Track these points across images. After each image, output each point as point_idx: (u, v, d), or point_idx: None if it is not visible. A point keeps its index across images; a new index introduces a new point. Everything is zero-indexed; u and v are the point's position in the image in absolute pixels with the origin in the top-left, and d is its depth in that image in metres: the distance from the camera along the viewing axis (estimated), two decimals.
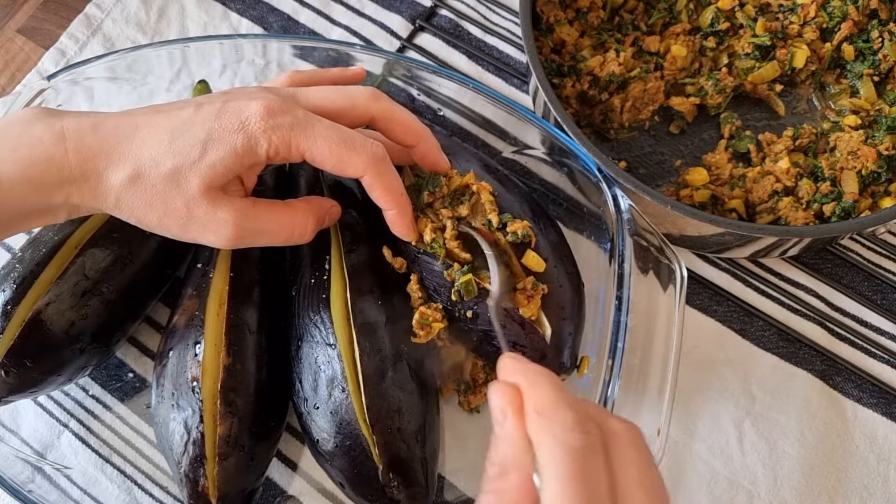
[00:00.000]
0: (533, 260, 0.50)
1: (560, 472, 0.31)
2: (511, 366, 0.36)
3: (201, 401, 0.48)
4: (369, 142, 0.44)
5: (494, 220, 0.51)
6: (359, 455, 0.47)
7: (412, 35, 0.70)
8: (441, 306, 0.51)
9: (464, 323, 0.50)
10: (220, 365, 0.49)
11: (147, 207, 0.43)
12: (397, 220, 0.48)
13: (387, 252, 0.53)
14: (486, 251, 0.49)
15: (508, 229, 0.50)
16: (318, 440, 0.49)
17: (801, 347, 0.60)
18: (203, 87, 0.61)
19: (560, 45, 0.65)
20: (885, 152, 0.58)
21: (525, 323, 0.49)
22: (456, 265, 0.50)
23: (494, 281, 0.48)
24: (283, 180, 0.59)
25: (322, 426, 0.48)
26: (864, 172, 0.58)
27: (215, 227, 0.44)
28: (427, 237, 0.50)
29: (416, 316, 0.51)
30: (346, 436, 0.48)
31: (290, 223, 0.47)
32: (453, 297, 0.50)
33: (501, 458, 0.33)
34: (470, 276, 0.49)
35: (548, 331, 0.49)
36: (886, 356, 0.60)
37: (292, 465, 0.56)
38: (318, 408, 0.49)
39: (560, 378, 0.50)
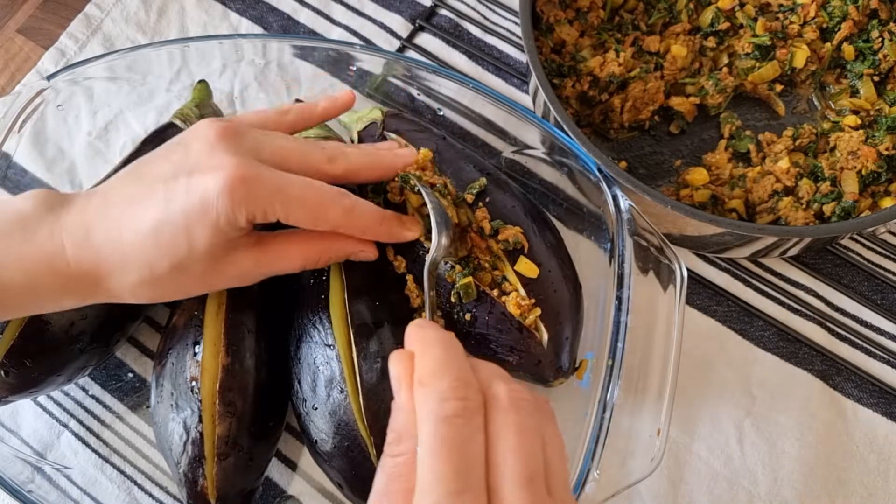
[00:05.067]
0: (526, 266, 0.49)
1: (430, 443, 0.31)
2: (411, 333, 0.37)
3: (200, 401, 0.48)
4: (340, 196, 0.44)
5: (486, 227, 0.51)
6: (357, 456, 0.47)
7: (412, 35, 0.70)
8: (440, 313, 0.51)
9: (462, 326, 0.50)
10: (219, 365, 0.49)
11: (167, 294, 0.44)
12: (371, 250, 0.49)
13: (389, 252, 0.53)
14: (427, 199, 0.48)
15: (500, 236, 0.50)
16: (316, 441, 0.49)
17: (801, 347, 0.60)
18: (203, 86, 0.61)
19: (560, 45, 0.65)
20: (885, 152, 0.58)
21: (522, 328, 0.49)
22: (457, 267, 0.50)
23: (435, 237, 0.47)
24: None
25: (320, 427, 0.48)
26: (864, 172, 0.58)
27: (238, 278, 0.45)
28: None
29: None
30: (344, 437, 0.48)
31: (303, 260, 0.46)
32: (452, 299, 0.50)
33: (397, 426, 0.35)
34: (470, 278, 0.49)
35: (544, 336, 0.49)
36: (886, 356, 0.60)
37: (292, 465, 0.56)
38: (316, 408, 0.49)
39: (559, 382, 0.51)
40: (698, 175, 0.60)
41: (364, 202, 0.46)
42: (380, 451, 0.46)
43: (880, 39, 0.63)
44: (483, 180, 0.52)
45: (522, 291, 0.49)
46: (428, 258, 0.47)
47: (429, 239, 0.49)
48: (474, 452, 0.31)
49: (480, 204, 0.52)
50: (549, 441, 0.34)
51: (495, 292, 0.49)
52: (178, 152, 0.42)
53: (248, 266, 0.44)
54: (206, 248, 0.41)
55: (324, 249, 0.47)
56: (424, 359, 0.35)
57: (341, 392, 0.48)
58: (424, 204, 0.49)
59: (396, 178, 0.50)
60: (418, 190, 0.49)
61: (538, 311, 0.49)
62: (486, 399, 0.33)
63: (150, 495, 0.55)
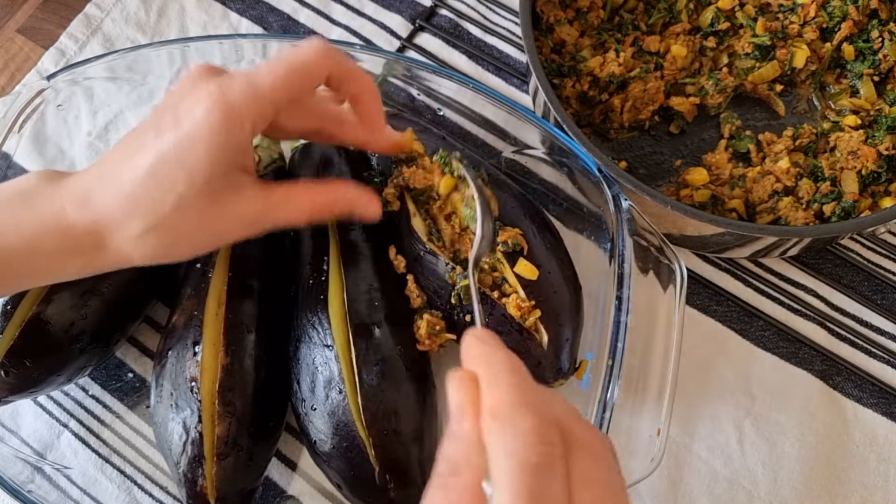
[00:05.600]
0: (525, 268, 0.49)
1: (512, 487, 0.29)
2: (475, 351, 0.34)
3: (200, 401, 0.48)
4: (310, 43, 0.42)
5: None
6: (356, 457, 0.47)
7: (412, 35, 0.70)
8: (441, 315, 0.51)
9: (462, 327, 0.50)
10: (219, 365, 0.49)
11: (174, 245, 0.42)
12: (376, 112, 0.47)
13: (391, 250, 0.53)
14: (472, 186, 0.46)
15: (499, 238, 0.50)
16: (315, 441, 0.49)
17: (801, 347, 0.60)
18: None
19: (560, 45, 0.65)
20: (885, 152, 0.58)
21: (522, 330, 0.49)
22: (458, 268, 0.50)
23: (478, 230, 0.45)
24: (281, 178, 0.59)
25: (319, 427, 0.48)
26: (864, 172, 0.58)
27: (244, 224, 0.43)
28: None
29: (423, 326, 0.50)
30: (343, 437, 0.48)
31: (310, 205, 0.45)
32: (452, 301, 0.50)
33: (454, 455, 0.32)
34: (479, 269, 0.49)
35: (544, 338, 0.49)
36: (886, 356, 0.60)
37: (292, 465, 0.56)
38: (315, 409, 0.49)
39: (559, 383, 0.51)
40: (698, 175, 0.60)
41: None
42: (378, 452, 0.47)
43: (880, 39, 0.63)
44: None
45: (522, 293, 0.49)
46: (472, 253, 0.45)
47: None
48: (558, 502, 0.29)
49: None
50: (621, 488, 0.32)
51: (495, 294, 0.49)
52: (160, 105, 0.42)
53: (254, 208, 0.42)
54: (206, 177, 0.40)
55: (331, 200, 0.46)
56: (497, 388, 0.32)
57: (340, 393, 0.48)
58: (457, 188, 0.48)
59: (424, 167, 0.49)
60: (459, 174, 0.48)
61: (538, 312, 0.49)
62: (568, 444, 0.31)
63: (150, 495, 0.55)
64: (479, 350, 0.34)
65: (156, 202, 0.40)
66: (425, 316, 0.51)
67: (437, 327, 0.50)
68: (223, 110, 0.39)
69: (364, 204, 0.47)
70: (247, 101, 0.40)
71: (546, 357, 0.49)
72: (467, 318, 0.50)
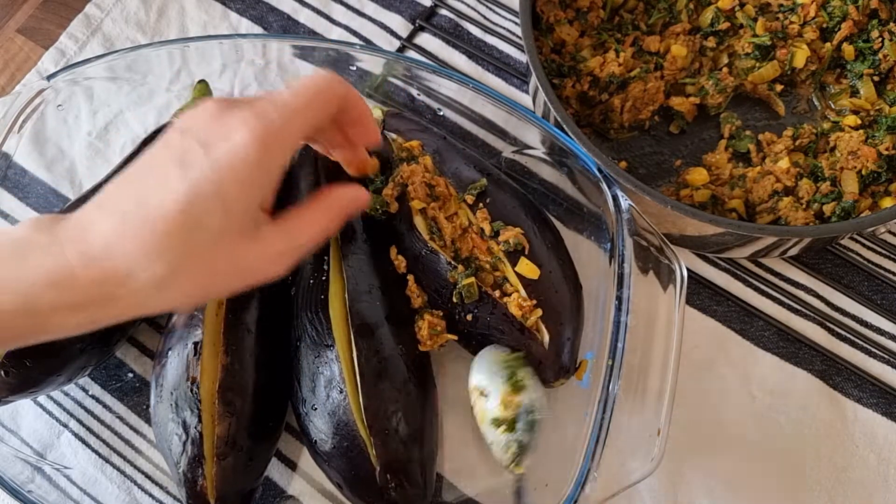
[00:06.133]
0: (527, 267, 0.49)
1: None
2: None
3: (199, 401, 0.48)
4: (319, 74, 0.42)
5: (487, 228, 0.51)
6: (356, 456, 0.47)
7: (412, 35, 0.70)
8: (441, 314, 0.51)
9: (463, 326, 0.50)
10: (219, 365, 0.49)
11: (209, 287, 0.39)
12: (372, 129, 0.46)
13: (392, 250, 0.53)
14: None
15: (500, 238, 0.50)
16: (316, 441, 0.49)
17: (801, 347, 0.60)
18: (203, 86, 0.61)
19: (560, 45, 0.65)
20: (885, 152, 0.58)
21: (524, 329, 0.49)
22: (460, 267, 0.50)
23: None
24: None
25: (320, 427, 0.48)
26: (864, 172, 0.58)
27: (271, 259, 0.41)
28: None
29: (424, 326, 0.50)
30: (343, 437, 0.48)
31: (326, 223, 0.43)
32: (454, 300, 0.50)
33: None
34: (472, 279, 0.49)
35: (545, 337, 0.49)
36: (886, 356, 0.60)
37: (292, 465, 0.56)
38: (315, 409, 0.49)
39: (559, 382, 0.51)
40: (698, 175, 0.60)
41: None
42: (379, 451, 0.47)
43: (880, 39, 0.63)
44: (483, 181, 0.52)
45: (523, 292, 0.49)
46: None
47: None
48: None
49: (481, 205, 0.52)
50: None
51: (497, 293, 0.49)
52: (174, 139, 0.39)
53: (280, 242, 0.41)
54: (243, 209, 0.38)
55: (342, 208, 0.44)
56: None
57: (340, 392, 0.48)
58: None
59: (427, 168, 0.52)
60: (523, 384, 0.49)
61: (539, 312, 0.49)
62: None
63: (150, 495, 0.55)
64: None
65: (188, 241, 0.37)
66: (426, 316, 0.51)
67: (439, 328, 0.50)
68: (261, 139, 0.37)
69: (365, 199, 0.46)
70: (283, 128, 0.38)
71: (547, 356, 0.49)
72: (468, 317, 0.50)
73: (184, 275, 0.37)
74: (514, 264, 0.50)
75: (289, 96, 0.40)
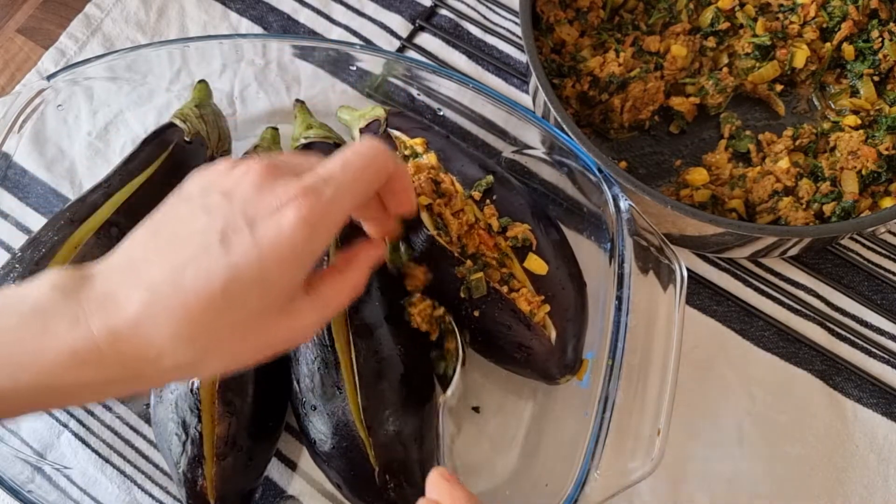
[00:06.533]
0: (535, 263, 0.50)
1: None
2: (437, 485, 0.39)
3: (199, 401, 0.48)
4: (367, 144, 0.39)
5: (495, 224, 0.51)
6: (356, 457, 0.47)
7: (412, 35, 0.70)
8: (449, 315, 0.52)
9: (469, 322, 0.50)
10: None
11: (234, 363, 0.37)
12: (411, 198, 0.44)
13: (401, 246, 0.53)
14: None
15: (508, 234, 0.50)
16: (315, 441, 0.49)
17: (801, 347, 0.60)
18: (203, 86, 0.61)
19: (560, 45, 0.65)
20: (885, 152, 0.58)
21: (531, 325, 0.49)
22: (468, 262, 0.50)
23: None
24: None
25: (319, 427, 0.48)
26: (864, 172, 0.58)
27: (301, 334, 0.39)
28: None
29: (416, 312, 0.51)
30: (342, 437, 0.48)
31: (354, 287, 0.42)
32: (462, 295, 0.50)
33: None
34: (481, 273, 0.49)
35: (552, 333, 0.49)
36: (886, 356, 0.60)
37: (292, 465, 0.56)
38: (315, 409, 0.49)
39: (565, 379, 0.51)
40: (698, 175, 0.60)
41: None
42: (378, 452, 0.47)
43: (880, 39, 0.63)
44: (490, 178, 0.52)
45: (531, 288, 0.49)
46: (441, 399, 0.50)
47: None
48: None
49: (488, 201, 0.52)
50: None
51: (504, 289, 0.49)
52: (216, 203, 0.36)
53: (314, 314, 0.39)
54: (282, 291, 0.36)
55: (367, 269, 0.43)
56: None
57: (339, 393, 0.48)
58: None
59: (432, 167, 0.52)
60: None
61: (547, 307, 0.49)
62: None
63: (150, 495, 0.55)
64: (441, 483, 0.39)
65: (222, 324, 0.35)
66: (417, 304, 0.51)
67: (429, 310, 0.51)
68: (309, 220, 0.34)
69: (382, 255, 0.45)
70: (332, 206, 0.36)
71: (553, 353, 0.49)
72: (475, 312, 0.50)
73: (214, 355, 0.35)
74: (521, 260, 0.50)
75: (338, 169, 0.37)
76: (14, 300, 0.35)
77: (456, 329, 0.52)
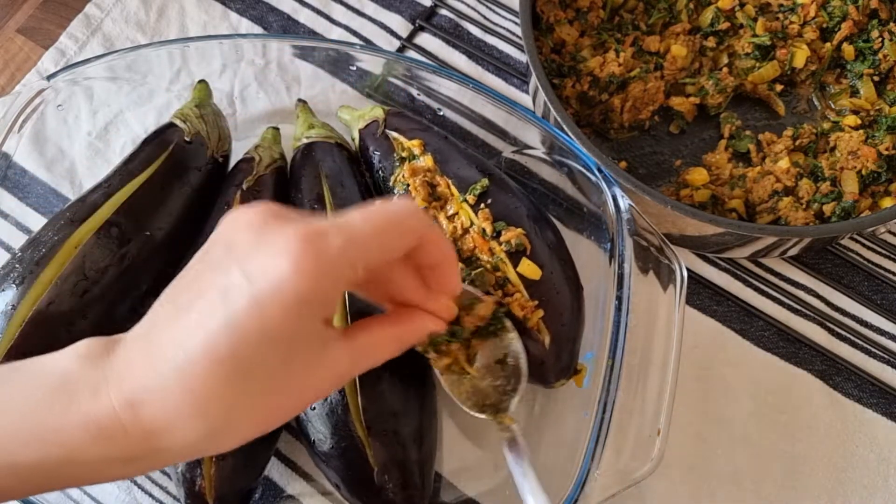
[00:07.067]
0: (528, 268, 0.49)
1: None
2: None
3: None
4: (400, 202, 0.37)
5: (488, 228, 0.51)
6: (355, 457, 0.47)
7: (412, 35, 0.70)
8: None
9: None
10: None
11: (258, 432, 0.34)
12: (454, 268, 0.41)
13: None
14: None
15: (502, 238, 0.50)
16: (314, 441, 0.49)
17: (801, 347, 0.60)
18: (203, 86, 0.61)
19: (560, 45, 0.65)
20: (885, 152, 0.58)
21: (525, 330, 0.49)
22: (462, 266, 0.50)
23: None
24: (282, 178, 0.59)
25: (318, 427, 0.48)
26: (864, 172, 0.58)
27: (335, 380, 0.37)
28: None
29: (442, 363, 0.48)
30: (342, 437, 0.48)
31: (399, 347, 0.39)
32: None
33: None
34: (481, 269, 0.49)
35: (547, 338, 0.49)
36: (886, 356, 0.60)
37: (292, 465, 0.56)
38: (314, 409, 0.49)
39: (560, 383, 0.51)
40: (698, 175, 0.60)
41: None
42: (377, 452, 0.47)
43: (880, 39, 0.63)
44: (485, 181, 0.52)
45: (525, 293, 0.49)
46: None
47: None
48: None
49: (482, 205, 0.52)
50: None
51: (498, 294, 0.49)
52: (218, 255, 0.34)
53: (343, 366, 0.36)
54: (297, 344, 0.33)
55: (415, 331, 0.40)
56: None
57: (339, 392, 0.48)
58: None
59: (429, 169, 0.51)
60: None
61: (541, 312, 0.49)
62: None
63: (150, 495, 0.55)
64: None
65: (237, 390, 0.32)
66: (443, 352, 0.49)
67: (457, 364, 0.50)
68: (305, 269, 0.31)
69: (439, 329, 0.42)
70: (342, 256, 0.33)
71: (548, 357, 0.49)
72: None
73: (240, 423, 0.33)
74: (515, 265, 0.50)
75: (358, 220, 0.34)
76: (42, 371, 0.34)
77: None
